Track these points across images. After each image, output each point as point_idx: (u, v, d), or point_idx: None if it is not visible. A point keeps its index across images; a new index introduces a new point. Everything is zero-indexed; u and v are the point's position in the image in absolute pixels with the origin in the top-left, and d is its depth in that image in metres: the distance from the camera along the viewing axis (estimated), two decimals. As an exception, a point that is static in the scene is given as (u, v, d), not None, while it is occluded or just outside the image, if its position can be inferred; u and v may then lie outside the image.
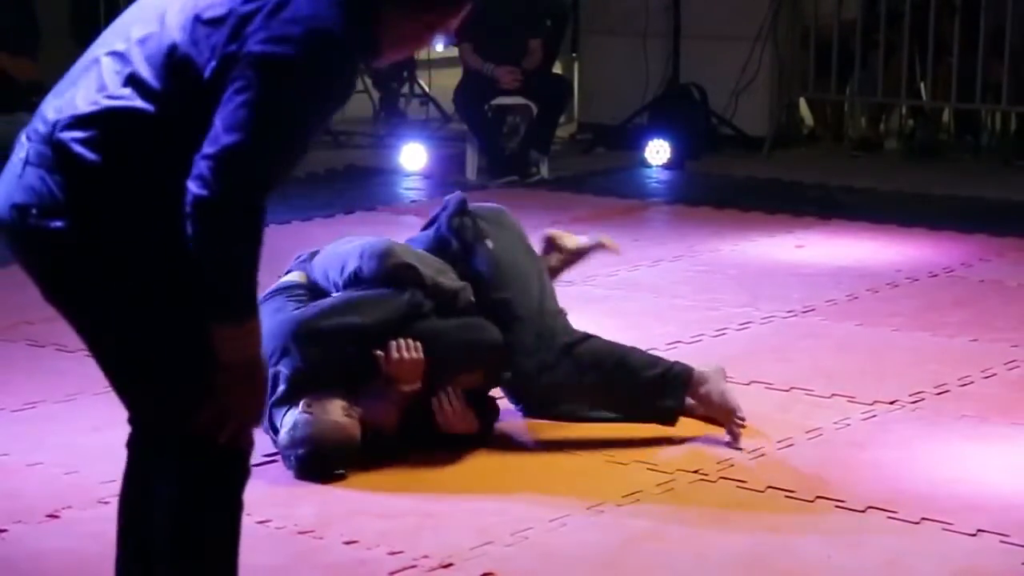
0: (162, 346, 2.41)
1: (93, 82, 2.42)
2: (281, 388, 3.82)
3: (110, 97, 2.38)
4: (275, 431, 3.83)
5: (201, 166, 2.30)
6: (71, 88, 2.44)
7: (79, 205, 2.37)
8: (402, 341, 3.84)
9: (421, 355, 3.84)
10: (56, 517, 3.56)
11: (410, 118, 9.89)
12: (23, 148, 2.43)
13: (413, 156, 8.12)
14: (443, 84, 9.56)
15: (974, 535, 3.45)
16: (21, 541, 3.44)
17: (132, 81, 2.38)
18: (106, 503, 3.63)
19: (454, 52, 8.48)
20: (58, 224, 2.37)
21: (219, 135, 2.30)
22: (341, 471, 3.76)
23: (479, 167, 8.03)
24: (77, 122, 2.38)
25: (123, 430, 4.08)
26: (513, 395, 4.16)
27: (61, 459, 3.91)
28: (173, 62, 2.37)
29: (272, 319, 3.80)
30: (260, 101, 2.30)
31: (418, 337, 3.86)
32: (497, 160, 7.99)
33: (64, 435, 4.09)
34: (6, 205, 2.42)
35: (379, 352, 3.82)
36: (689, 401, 4.11)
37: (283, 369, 3.82)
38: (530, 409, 4.17)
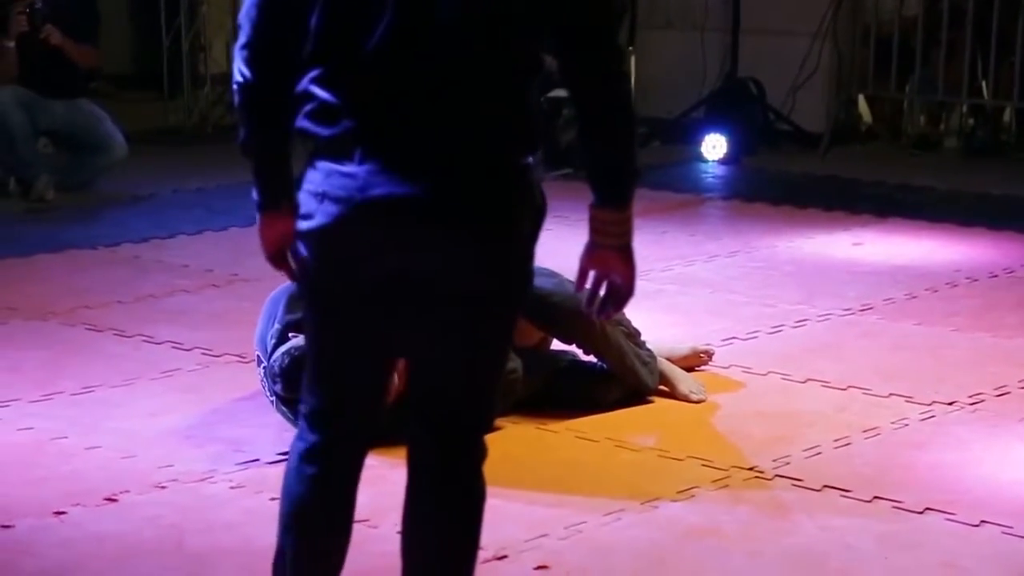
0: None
1: None
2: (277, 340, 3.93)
3: None
4: (272, 378, 3.89)
5: (594, 54, 2.44)
6: None
7: None
8: None
9: None
10: (114, 500, 3.58)
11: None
12: None
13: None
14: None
15: (1034, 539, 3.42)
16: (80, 524, 3.47)
17: None
18: (163, 488, 3.67)
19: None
20: None
21: (585, 27, 2.41)
22: None
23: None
24: None
25: (179, 415, 4.16)
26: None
27: (119, 443, 3.94)
28: None
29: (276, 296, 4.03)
30: None
31: None
32: (552, 152, 7.98)
33: (121, 419, 4.12)
34: None
35: None
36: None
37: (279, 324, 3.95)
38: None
